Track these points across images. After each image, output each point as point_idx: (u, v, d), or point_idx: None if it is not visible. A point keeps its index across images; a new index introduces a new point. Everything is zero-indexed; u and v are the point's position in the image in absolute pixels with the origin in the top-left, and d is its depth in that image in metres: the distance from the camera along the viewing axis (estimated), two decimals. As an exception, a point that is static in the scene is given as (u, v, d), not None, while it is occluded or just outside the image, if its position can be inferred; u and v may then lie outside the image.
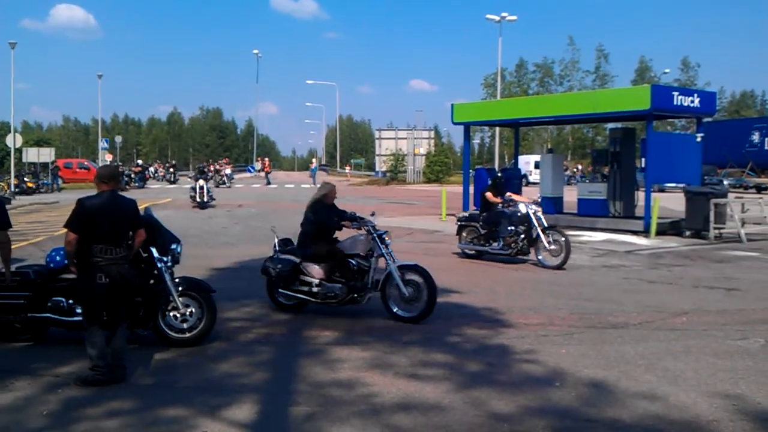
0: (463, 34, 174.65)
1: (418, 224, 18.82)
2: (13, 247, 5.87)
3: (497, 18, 44.02)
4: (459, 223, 12.65)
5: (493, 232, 11.79)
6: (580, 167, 41.66)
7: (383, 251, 7.50)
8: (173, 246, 6.33)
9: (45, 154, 38.67)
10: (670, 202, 19.98)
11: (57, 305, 6.28)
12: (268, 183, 44.87)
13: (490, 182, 12.55)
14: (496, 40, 45.73)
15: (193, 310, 6.30)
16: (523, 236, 11.39)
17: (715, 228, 15.10)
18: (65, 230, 5.39)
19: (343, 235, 8.09)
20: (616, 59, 76.55)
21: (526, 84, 66.82)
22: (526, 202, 11.66)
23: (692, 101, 16.93)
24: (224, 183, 41.12)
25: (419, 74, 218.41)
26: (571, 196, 20.44)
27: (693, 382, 5.36)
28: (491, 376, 5.56)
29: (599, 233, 16.12)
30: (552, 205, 19.22)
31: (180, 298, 6.21)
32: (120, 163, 54.17)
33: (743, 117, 66.32)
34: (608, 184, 17.86)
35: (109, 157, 50.54)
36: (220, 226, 18.22)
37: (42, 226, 17.82)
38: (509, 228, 11.50)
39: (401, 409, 4.76)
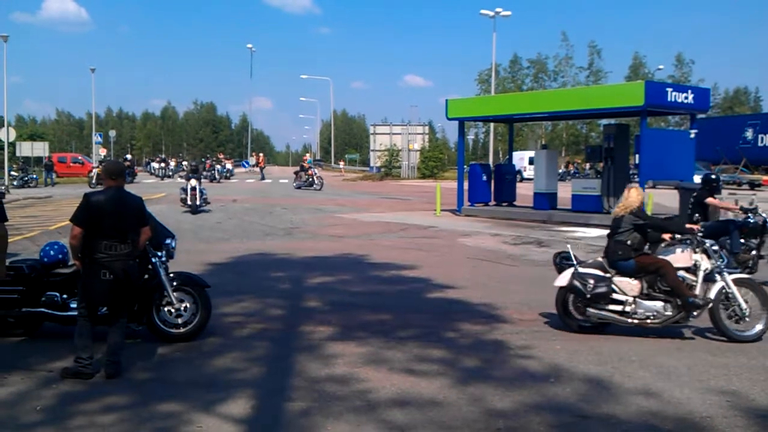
0: (458, 29, 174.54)
1: (412, 220, 18.82)
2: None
3: (491, 13, 43.99)
4: None
5: None
6: (570, 167, 41.65)
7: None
8: (167, 241, 6.31)
9: (39, 149, 38.41)
10: (664, 198, 20.05)
11: (51, 300, 6.26)
12: (263, 178, 44.80)
13: (703, 185, 10.11)
14: (490, 36, 45.85)
15: (188, 305, 6.30)
16: (754, 251, 9.40)
17: (708, 224, 15.13)
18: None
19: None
20: (609, 55, 77.35)
21: (520, 80, 67.07)
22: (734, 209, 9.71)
23: (686, 97, 16.98)
24: (315, 185, 33.50)
25: (414, 69, 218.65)
26: (564, 192, 20.49)
27: (686, 378, 5.39)
28: (487, 371, 5.57)
29: (593, 229, 16.14)
30: (546, 201, 19.33)
31: (174, 293, 6.20)
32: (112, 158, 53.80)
33: (737, 113, 66.50)
34: (602, 180, 17.90)
35: (103, 152, 50.36)
36: (214, 221, 18.16)
37: (36, 221, 17.73)
38: (741, 241, 9.34)
39: (396, 405, 4.76)
